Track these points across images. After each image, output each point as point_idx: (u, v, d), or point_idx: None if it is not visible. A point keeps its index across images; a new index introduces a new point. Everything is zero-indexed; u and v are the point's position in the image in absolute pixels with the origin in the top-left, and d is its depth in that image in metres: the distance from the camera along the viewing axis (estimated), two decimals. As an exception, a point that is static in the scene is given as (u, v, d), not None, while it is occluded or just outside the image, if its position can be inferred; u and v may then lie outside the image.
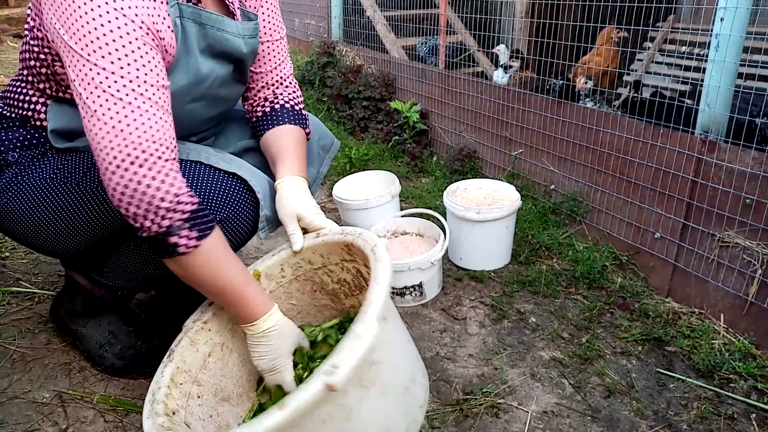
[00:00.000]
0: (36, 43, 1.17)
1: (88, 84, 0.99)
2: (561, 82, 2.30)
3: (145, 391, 1.38)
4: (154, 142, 1.01)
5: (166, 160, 1.03)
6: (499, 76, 3.08)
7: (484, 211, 1.96)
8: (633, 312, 1.79)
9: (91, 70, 0.98)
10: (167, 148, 1.04)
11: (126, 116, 0.99)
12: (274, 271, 1.32)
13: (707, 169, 1.72)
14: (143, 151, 1.00)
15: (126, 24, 0.99)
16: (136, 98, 1.00)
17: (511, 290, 1.92)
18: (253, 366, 1.24)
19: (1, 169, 1.25)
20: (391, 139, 3.17)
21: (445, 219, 2.02)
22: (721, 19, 1.64)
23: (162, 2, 1.09)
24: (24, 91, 1.27)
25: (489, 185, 2.18)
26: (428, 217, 2.12)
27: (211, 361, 1.19)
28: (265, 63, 1.42)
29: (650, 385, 1.50)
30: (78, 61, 0.99)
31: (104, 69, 0.98)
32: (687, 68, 3.06)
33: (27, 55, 1.22)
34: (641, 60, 3.53)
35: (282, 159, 1.33)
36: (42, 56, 1.18)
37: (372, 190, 2.39)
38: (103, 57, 0.98)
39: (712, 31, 1.67)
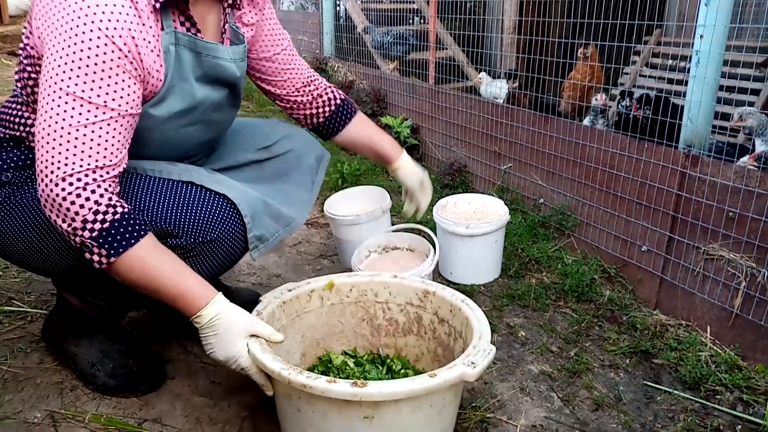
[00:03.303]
0: (29, 62, 1.21)
1: (45, 101, 1.07)
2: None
3: (137, 410, 1.39)
4: (82, 164, 1.07)
5: (87, 177, 1.07)
6: (494, 89, 3.13)
7: (473, 225, 1.98)
8: (621, 325, 1.81)
9: (53, 90, 1.05)
10: (96, 166, 1.08)
11: (62, 136, 1.06)
12: (343, 289, 1.49)
13: (691, 183, 1.75)
14: (65, 171, 1.06)
15: (106, 45, 1.05)
16: (79, 121, 1.06)
17: (501, 304, 1.94)
18: (299, 356, 1.41)
19: None
20: (382, 154, 3.19)
21: (436, 234, 2.04)
22: (701, 36, 1.68)
23: (151, 27, 1.13)
24: (20, 113, 1.29)
25: (478, 200, 2.20)
26: (419, 232, 2.14)
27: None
28: (285, 70, 1.54)
29: (638, 397, 1.51)
30: (48, 80, 1.06)
31: (62, 90, 1.05)
32: (670, 81, 3.12)
33: (23, 75, 1.25)
34: (628, 74, 3.58)
35: (383, 146, 1.68)
36: (35, 75, 1.21)
37: (363, 205, 2.41)
38: (69, 78, 1.05)
39: (692, 47, 1.71)
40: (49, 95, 1.06)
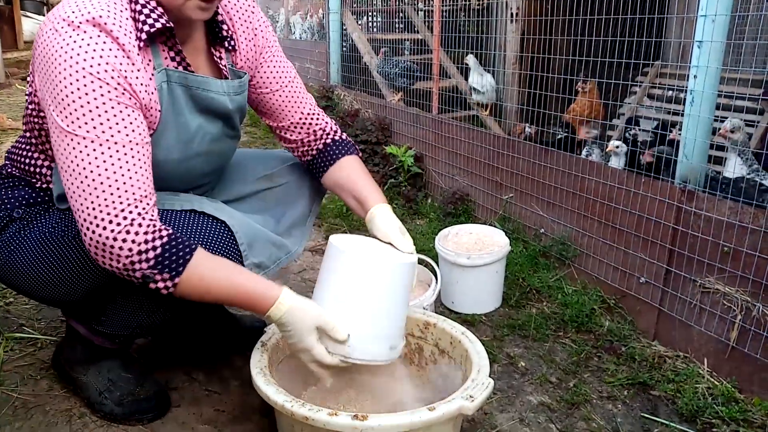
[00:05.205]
0: (34, 107, 1.27)
1: (65, 151, 1.11)
2: (563, 134, 2.43)
3: (143, 439, 1.43)
4: (122, 202, 1.11)
5: (131, 213, 1.11)
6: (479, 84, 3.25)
7: (475, 256, 2.02)
8: (620, 356, 1.84)
9: (69, 139, 1.10)
10: (134, 201, 1.12)
11: (93, 180, 1.10)
12: None
13: (687, 218, 1.79)
14: (108, 213, 1.10)
15: (101, 87, 1.10)
16: (105, 160, 1.10)
17: (502, 334, 1.97)
18: (302, 385, 1.47)
19: (5, 224, 1.32)
20: (387, 182, 3.25)
21: (437, 263, 2.08)
22: (695, 77, 1.74)
23: (141, 69, 1.17)
24: (29, 154, 1.35)
25: (479, 230, 2.25)
26: (421, 261, 2.18)
27: (280, 368, 1.39)
28: (287, 106, 1.51)
29: (635, 429, 1.53)
30: (59, 131, 1.11)
31: (78, 136, 1.09)
32: (667, 111, 3.17)
33: (29, 118, 1.30)
34: (630, 104, 3.64)
35: (362, 191, 1.47)
36: (39, 120, 1.27)
37: None
38: (79, 127, 1.09)
39: (686, 88, 1.76)
40: (64, 148, 1.10)
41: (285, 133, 1.55)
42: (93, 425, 1.46)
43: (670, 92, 3.43)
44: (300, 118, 1.53)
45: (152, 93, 1.20)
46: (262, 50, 1.46)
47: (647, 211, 1.92)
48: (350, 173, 1.51)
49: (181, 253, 1.14)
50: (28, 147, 1.35)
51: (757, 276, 1.61)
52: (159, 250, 1.12)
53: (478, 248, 2.13)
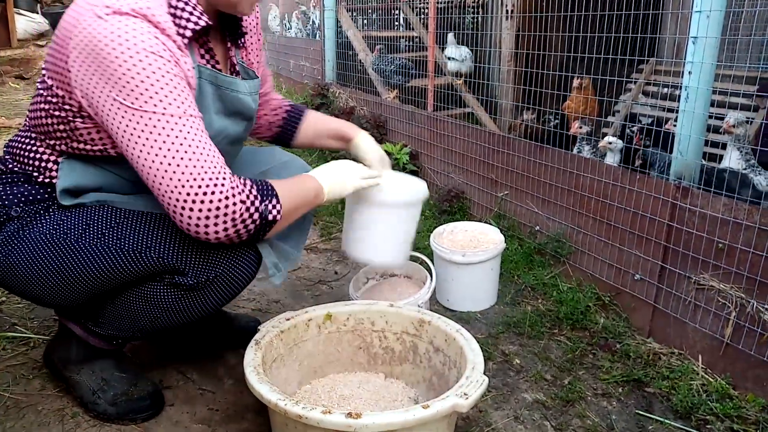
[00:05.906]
0: (56, 101, 1.21)
1: (141, 131, 1.11)
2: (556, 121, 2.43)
3: (136, 438, 1.42)
4: (213, 166, 1.14)
5: (225, 172, 1.16)
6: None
7: (470, 253, 2.02)
8: (615, 353, 1.84)
9: (141, 117, 1.10)
10: (223, 162, 1.17)
11: (185, 152, 1.12)
12: (340, 318, 1.54)
13: (682, 214, 1.79)
14: (211, 178, 1.13)
15: (164, 65, 1.11)
16: (189, 131, 1.13)
17: (497, 331, 1.96)
18: (296, 384, 1.51)
19: (2, 223, 1.28)
20: (382, 180, 3.24)
21: (433, 261, 2.07)
22: (689, 72, 1.74)
23: (188, 56, 1.20)
24: (34, 147, 1.31)
25: (474, 228, 2.24)
26: (416, 259, 2.17)
27: (274, 366, 1.40)
28: (269, 99, 1.69)
29: (630, 426, 1.53)
30: (127, 112, 1.10)
31: (151, 113, 1.10)
32: (662, 108, 3.18)
33: (41, 114, 1.25)
34: (624, 101, 3.64)
35: (338, 128, 1.64)
36: (61, 114, 1.22)
37: None
38: (155, 105, 1.10)
39: (681, 84, 1.76)
40: (138, 128, 1.10)
41: (262, 121, 1.68)
42: (86, 425, 1.45)
43: (665, 89, 3.43)
44: (275, 104, 1.69)
45: (194, 81, 1.23)
46: (260, 54, 1.54)
47: (642, 207, 1.91)
48: (319, 118, 1.70)
49: (261, 182, 1.24)
50: (31, 141, 1.31)
51: (752, 272, 1.61)
52: (256, 186, 1.21)
53: (473, 246, 2.13)
